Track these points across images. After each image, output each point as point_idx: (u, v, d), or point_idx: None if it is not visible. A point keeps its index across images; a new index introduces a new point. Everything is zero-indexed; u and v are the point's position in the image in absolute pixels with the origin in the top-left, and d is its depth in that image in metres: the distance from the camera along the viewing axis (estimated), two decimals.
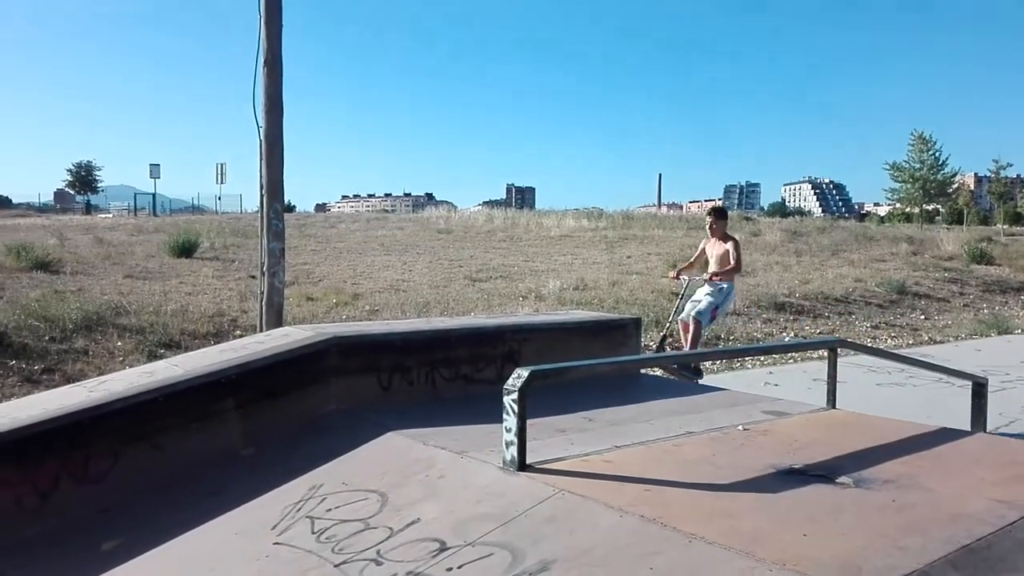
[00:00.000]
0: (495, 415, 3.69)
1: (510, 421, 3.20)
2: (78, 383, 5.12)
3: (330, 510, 3.15)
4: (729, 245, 7.33)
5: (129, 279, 12.87)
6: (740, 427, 4.00)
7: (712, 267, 7.52)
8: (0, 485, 3.53)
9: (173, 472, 3.84)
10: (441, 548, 2.66)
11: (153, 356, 7.77)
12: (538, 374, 3.27)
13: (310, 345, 4.59)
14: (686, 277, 7.60)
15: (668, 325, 7.79)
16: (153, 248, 17.20)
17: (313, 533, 2.99)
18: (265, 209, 7.39)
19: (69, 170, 73.18)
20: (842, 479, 3.13)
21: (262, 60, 7.36)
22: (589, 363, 4.35)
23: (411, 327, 5.67)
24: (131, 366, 7.15)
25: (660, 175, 53.99)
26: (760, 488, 3.00)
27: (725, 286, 7.30)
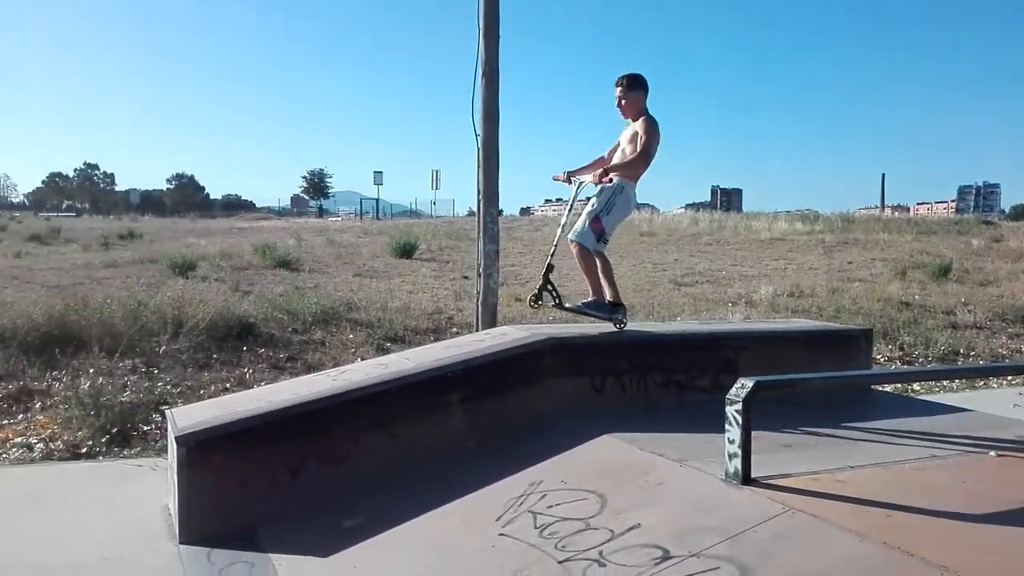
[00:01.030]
0: (711, 424, 3.60)
1: (733, 432, 3.11)
2: (321, 372, 5.63)
3: (551, 507, 3.23)
4: (639, 124, 5.07)
5: (358, 277, 13.97)
6: (992, 453, 3.61)
7: (616, 159, 5.22)
8: (258, 462, 3.96)
9: (404, 459, 4.11)
10: (664, 556, 2.64)
11: (381, 349, 8.37)
12: (763, 385, 3.15)
13: (527, 345, 4.73)
14: (579, 179, 5.23)
15: (550, 255, 5.29)
16: (377, 249, 18.55)
17: (535, 528, 3.08)
18: (482, 213, 7.70)
19: (304, 177, 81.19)
20: None
21: (480, 71, 7.67)
22: (820, 375, 4.11)
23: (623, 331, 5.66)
24: (362, 358, 7.76)
25: (883, 175, 50.13)
26: (1022, 521, 2.69)
27: (615, 181, 4.98)
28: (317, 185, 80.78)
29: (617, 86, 5.15)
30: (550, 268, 5.19)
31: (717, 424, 3.31)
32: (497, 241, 7.89)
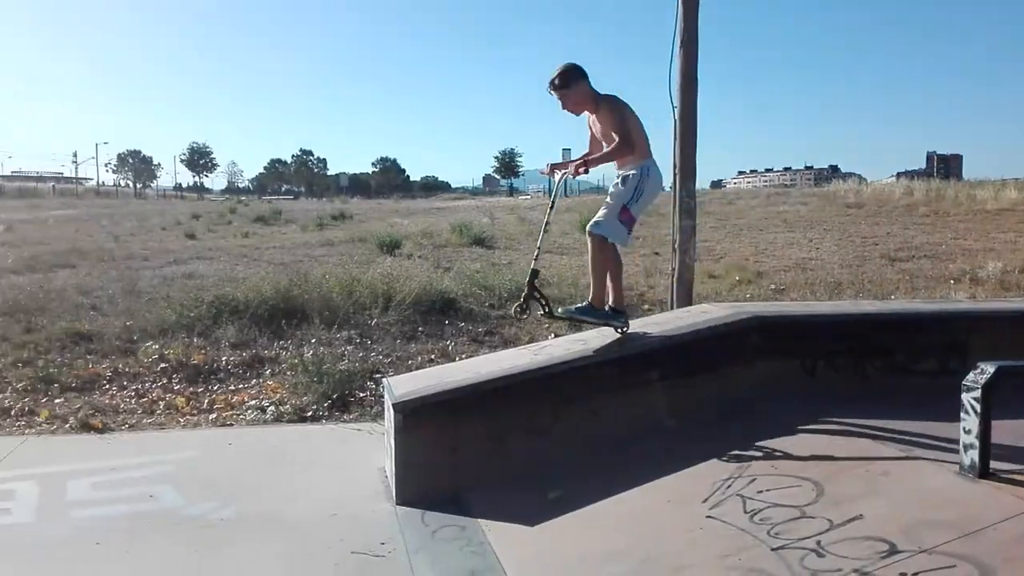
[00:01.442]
0: (938, 412, 3.33)
1: (970, 422, 2.85)
2: (522, 347, 5.79)
3: (761, 492, 3.12)
4: (604, 112, 4.65)
5: (548, 254, 14.17)
6: None
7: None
8: (467, 429, 4.14)
9: (604, 435, 4.14)
10: (891, 551, 2.47)
11: (573, 326, 8.46)
12: (1006, 371, 2.86)
13: (730, 323, 4.59)
14: (561, 173, 4.81)
15: (535, 259, 4.73)
16: (566, 226, 18.69)
17: (745, 513, 2.99)
18: (677, 188, 7.52)
19: (496, 157, 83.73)
20: None
21: (678, 40, 7.46)
22: None
23: (836, 309, 5.36)
24: (555, 334, 7.88)
25: None
26: None
27: (634, 172, 4.58)
28: (508, 164, 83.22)
29: (552, 91, 4.66)
30: (535, 274, 4.69)
31: (945, 411, 3.05)
32: (694, 216, 7.68)
